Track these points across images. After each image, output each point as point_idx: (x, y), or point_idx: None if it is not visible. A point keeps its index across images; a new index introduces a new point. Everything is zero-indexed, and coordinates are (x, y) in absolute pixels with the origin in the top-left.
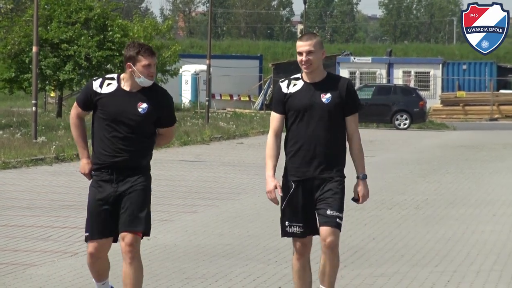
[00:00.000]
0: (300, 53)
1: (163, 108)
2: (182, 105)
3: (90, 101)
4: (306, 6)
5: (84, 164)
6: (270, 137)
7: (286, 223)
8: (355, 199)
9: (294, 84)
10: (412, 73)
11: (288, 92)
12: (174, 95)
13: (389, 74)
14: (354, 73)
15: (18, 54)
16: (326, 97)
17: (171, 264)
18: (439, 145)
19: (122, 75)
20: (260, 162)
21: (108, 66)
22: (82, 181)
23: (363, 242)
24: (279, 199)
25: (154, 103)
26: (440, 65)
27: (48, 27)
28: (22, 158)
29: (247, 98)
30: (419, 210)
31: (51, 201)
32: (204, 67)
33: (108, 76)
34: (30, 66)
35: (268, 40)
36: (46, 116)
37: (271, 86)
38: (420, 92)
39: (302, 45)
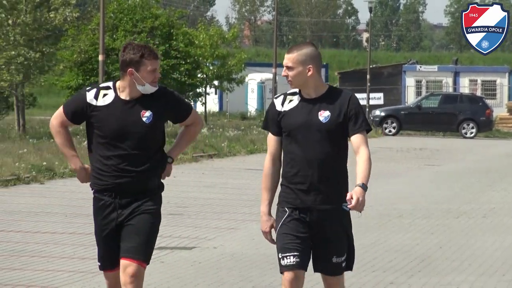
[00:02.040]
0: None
1: (171, 108)
2: (248, 113)
3: (82, 114)
4: (371, 15)
5: (82, 173)
6: (267, 163)
7: (280, 255)
8: (346, 206)
9: (290, 101)
10: (479, 81)
11: (282, 110)
12: (240, 103)
13: (455, 82)
14: (420, 81)
15: (84, 62)
16: (324, 115)
17: (238, 272)
18: (505, 154)
19: (118, 83)
20: None
21: (174, 74)
22: None
23: (430, 250)
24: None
25: (160, 107)
26: (507, 74)
27: (114, 36)
28: None
29: None
30: (486, 218)
31: None
32: (269, 75)
33: (102, 85)
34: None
35: (333, 48)
36: None
37: None
38: (486, 100)
39: (285, 58)
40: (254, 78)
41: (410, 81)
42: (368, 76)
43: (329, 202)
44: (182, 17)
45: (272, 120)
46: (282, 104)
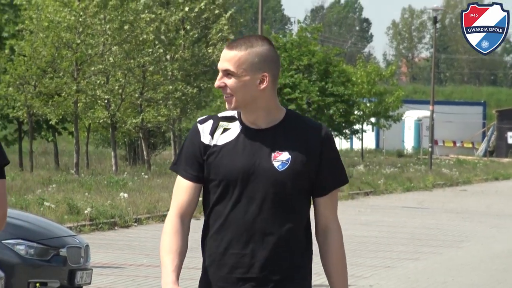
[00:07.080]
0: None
1: None
2: (405, 150)
3: None
4: None
5: None
6: (170, 218)
7: None
8: None
9: (225, 130)
10: None
11: (212, 144)
12: (397, 140)
13: None
14: None
15: None
16: (281, 159)
17: None
18: None
19: None
20: (484, 209)
21: (331, 111)
22: None
23: None
24: None
25: None
26: None
27: None
28: None
29: (470, 145)
30: None
31: None
32: (427, 113)
33: None
34: None
35: (491, 86)
36: None
37: (495, 133)
38: None
39: (222, 57)
40: (411, 116)
41: None
42: None
43: None
44: (339, 53)
45: (191, 157)
46: (212, 134)
